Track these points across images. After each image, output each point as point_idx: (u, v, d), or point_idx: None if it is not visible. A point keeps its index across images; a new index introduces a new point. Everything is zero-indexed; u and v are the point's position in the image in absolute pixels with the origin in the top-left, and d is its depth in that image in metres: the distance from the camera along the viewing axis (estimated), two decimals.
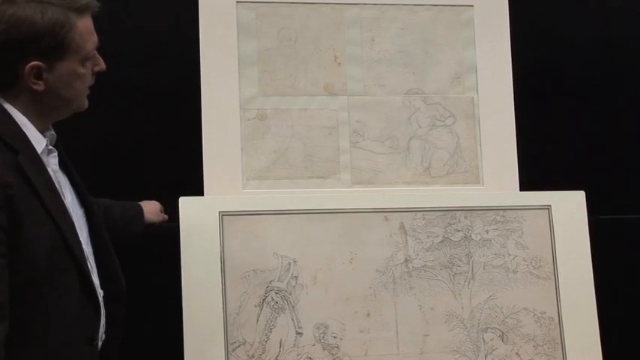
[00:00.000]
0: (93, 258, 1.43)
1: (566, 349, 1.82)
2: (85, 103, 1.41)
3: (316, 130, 1.89)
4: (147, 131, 2.02)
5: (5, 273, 1.19)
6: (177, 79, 1.99)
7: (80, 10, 1.32)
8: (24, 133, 1.31)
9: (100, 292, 1.40)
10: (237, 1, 1.88)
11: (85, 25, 1.33)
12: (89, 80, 1.39)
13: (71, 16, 1.30)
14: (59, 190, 1.36)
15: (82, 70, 1.35)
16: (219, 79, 1.85)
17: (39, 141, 1.33)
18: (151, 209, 1.83)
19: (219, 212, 1.77)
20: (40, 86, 1.30)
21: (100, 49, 1.41)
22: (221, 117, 1.84)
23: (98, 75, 1.42)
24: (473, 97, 1.95)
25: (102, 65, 1.41)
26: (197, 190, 1.80)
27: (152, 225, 1.82)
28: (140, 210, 1.79)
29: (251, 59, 1.88)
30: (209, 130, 1.83)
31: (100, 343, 1.42)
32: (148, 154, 2.02)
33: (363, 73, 1.92)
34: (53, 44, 1.29)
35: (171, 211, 1.82)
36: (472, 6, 1.96)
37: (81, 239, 1.38)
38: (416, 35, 1.95)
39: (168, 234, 1.77)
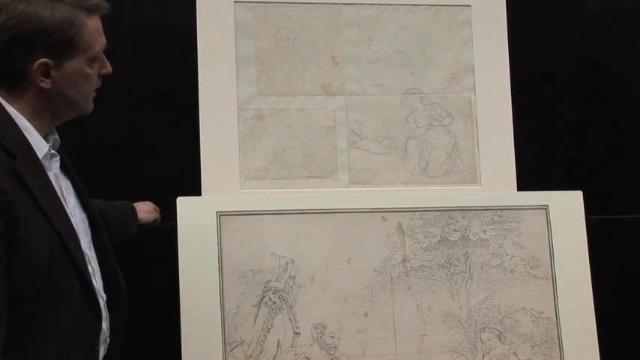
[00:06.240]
0: (96, 262, 1.43)
1: (564, 348, 1.82)
2: (91, 106, 1.42)
3: (314, 130, 1.89)
4: (144, 131, 2.02)
5: (3, 279, 1.19)
6: (174, 79, 1.99)
7: (90, 10, 1.34)
8: (25, 138, 1.31)
9: (102, 296, 1.40)
10: (235, 1, 1.88)
11: (94, 25, 1.35)
12: (95, 82, 1.40)
13: (81, 14, 1.32)
14: (61, 195, 1.36)
15: (89, 70, 1.36)
16: (217, 79, 1.85)
17: (41, 146, 1.33)
18: (144, 208, 1.83)
19: (217, 212, 1.77)
20: (47, 84, 1.31)
21: None
22: (219, 117, 1.84)
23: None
24: (470, 97, 1.95)
25: (108, 68, 1.42)
26: (195, 190, 1.80)
27: (146, 225, 1.82)
28: (133, 210, 1.79)
29: (249, 59, 1.87)
30: (207, 130, 1.83)
31: (105, 348, 1.42)
32: (146, 154, 2.02)
33: (360, 73, 1.92)
34: (63, 42, 1.30)
35: (169, 212, 1.82)
36: (469, 6, 1.96)
37: (84, 243, 1.38)
38: (413, 35, 1.95)
39: (166, 234, 1.77)
